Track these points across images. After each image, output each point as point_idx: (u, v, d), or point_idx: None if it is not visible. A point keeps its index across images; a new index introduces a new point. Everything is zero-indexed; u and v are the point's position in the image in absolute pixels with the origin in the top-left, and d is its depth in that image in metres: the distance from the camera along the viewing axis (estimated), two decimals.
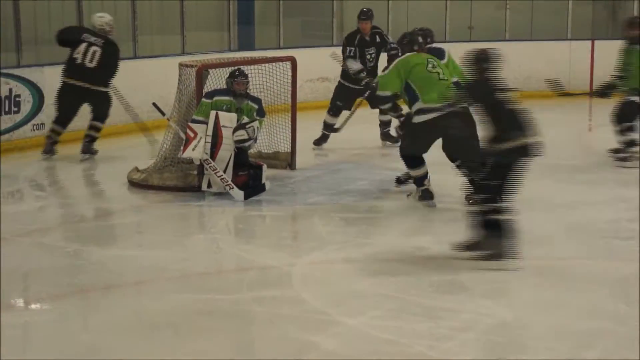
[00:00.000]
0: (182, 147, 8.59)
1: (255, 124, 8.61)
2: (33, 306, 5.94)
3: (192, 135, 8.46)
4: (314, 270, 6.53)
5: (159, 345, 5.17)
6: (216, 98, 8.66)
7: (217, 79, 9.25)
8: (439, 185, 8.32)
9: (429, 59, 8.20)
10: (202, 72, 8.84)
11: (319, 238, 7.31)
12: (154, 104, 9.04)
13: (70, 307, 5.83)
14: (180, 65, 9.20)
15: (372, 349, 5.03)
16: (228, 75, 8.88)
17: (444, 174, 8.40)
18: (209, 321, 5.51)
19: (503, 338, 5.26)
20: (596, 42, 15.67)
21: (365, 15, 10.73)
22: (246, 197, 8.42)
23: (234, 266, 6.62)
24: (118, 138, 11.45)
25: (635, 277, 6.20)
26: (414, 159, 8.23)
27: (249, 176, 8.60)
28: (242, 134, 8.51)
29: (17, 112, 10.87)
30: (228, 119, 8.52)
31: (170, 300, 5.88)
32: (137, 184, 8.91)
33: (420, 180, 8.25)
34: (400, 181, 8.77)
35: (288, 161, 9.69)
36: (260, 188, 8.64)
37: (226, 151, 8.47)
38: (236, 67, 8.97)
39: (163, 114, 9.05)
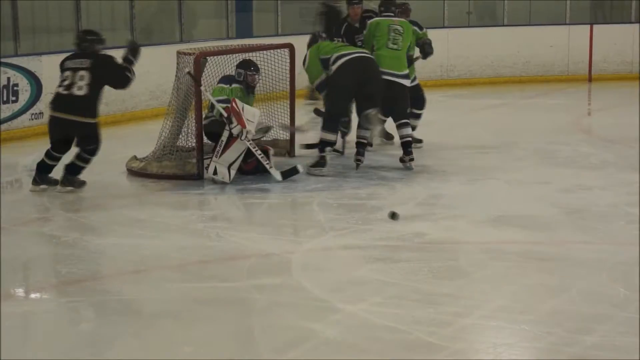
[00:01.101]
0: (233, 123, 8.48)
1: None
2: (32, 296, 5.95)
3: (239, 110, 8.53)
4: (314, 258, 6.54)
5: (159, 334, 5.17)
6: (234, 85, 8.91)
7: (215, 67, 9.25)
8: (439, 171, 8.31)
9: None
10: (200, 60, 8.83)
11: (319, 225, 7.31)
12: (189, 73, 8.89)
13: (69, 296, 5.83)
14: (178, 53, 9.19)
15: (372, 336, 5.03)
16: (239, 65, 9.05)
17: (438, 159, 8.41)
18: (208, 309, 5.51)
19: (502, 323, 5.25)
20: (595, 26, 15.65)
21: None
22: (284, 177, 8.61)
23: (234, 254, 6.61)
24: (117, 127, 11.44)
25: (634, 262, 6.20)
26: (334, 121, 8.92)
27: (258, 161, 8.69)
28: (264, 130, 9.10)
29: (16, 101, 10.88)
30: (251, 114, 8.65)
31: (169, 288, 5.88)
32: (136, 173, 8.92)
33: (323, 145, 8.79)
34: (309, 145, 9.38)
35: (287, 148, 9.69)
36: (294, 171, 8.75)
37: (242, 144, 8.53)
38: (248, 59, 9.15)
39: (199, 83, 8.93)
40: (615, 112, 12.86)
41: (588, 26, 15.60)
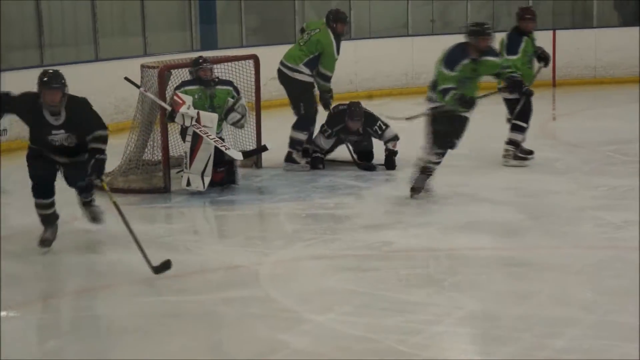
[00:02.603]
0: (171, 113, 8.44)
1: (242, 101, 8.72)
2: (2, 313, 5.88)
3: (180, 102, 8.42)
4: (282, 269, 6.52)
5: (129, 349, 5.13)
6: (185, 88, 8.64)
7: (179, 80, 9.20)
8: (405, 179, 8.33)
9: None
10: (164, 73, 8.80)
11: (286, 236, 7.30)
12: (126, 78, 8.88)
13: (37, 314, 5.78)
14: (142, 66, 9.15)
15: (342, 345, 5.02)
16: (192, 64, 8.85)
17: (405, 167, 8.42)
18: (178, 323, 5.48)
19: (472, 329, 5.27)
20: (557, 32, 15.75)
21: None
22: (245, 156, 8.72)
23: (202, 267, 6.58)
24: None
25: (602, 265, 6.24)
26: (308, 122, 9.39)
27: (225, 172, 8.66)
28: (234, 117, 8.63)
29: None
30: (209, 119, 8.49)
31: (138, 303, 5.85)
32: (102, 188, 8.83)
33: (293, 144, 9.31)
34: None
35: (254, 160, 9.66)
36: (261, 149, 8.97)
37: (205, 151, 8.45)
38: (198, 56, 8.95)
39: (138, 86, 8.93)
40: (580, 117, 12.95)
41: (551, 32, 15.68)
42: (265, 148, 8.93)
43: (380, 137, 9.41)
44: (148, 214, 8.12)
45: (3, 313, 5.83)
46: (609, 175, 8.85)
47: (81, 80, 10.42)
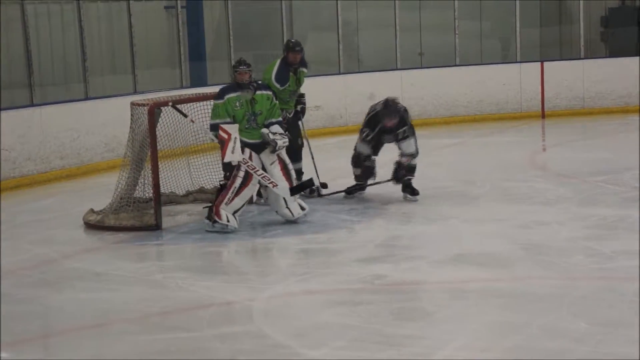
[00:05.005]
0: (220, 152, 8.36)
1: (276, 128, 8.53)
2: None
3: (225, 136, 8.25)
4: (275, 304, 6.51)
5: None
6: (227, 97, 8.52)
7: (170, 117, 9.23)
8: (397, 212, 8.34)
9: None
10: (154, 111, 8.81)
11: (279, 271, 7.30)
12: (173, 106, 8.93)
13: (28, 354, 5.75)
14: (132, 104, 9.18)
15: None
16: (232, 66, 8.71)
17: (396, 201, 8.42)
18: None
19: None
20: (545, 63, 15.86)
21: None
22: (293, 192, 8.54)
23: (194, 304, 6.57)
24: (73, 180, 11.38)
25: (594, 296, 6.25)
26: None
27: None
28: (282, 148, 8.53)
29: None
30: (239, 152, 8.34)
31: (130, 341, 5.83)
32: (93, 226, 8.85)
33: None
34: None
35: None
36: (307, 183, 8.90)
37: (250, 190, 8.51)
38: (239, 57, 8.83)
39: (185, 115, 8.98)
40: (570, 147, 13.00)
41: (539, 63, 15.79)
42: (311, 182, 8.97)
43: (398, 142, 9.32)
44: (139, 251, 8.12)
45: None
46: (599, 206, 8.87)
47: (72, 118, 10.50)
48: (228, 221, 8.41)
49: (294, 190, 8.57)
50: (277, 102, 8.72)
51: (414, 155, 9.33)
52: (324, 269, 7.26)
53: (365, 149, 9.44)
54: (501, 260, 7.26)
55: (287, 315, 6.23)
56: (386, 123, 9.22)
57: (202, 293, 6.79)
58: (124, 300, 6.63)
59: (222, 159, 8.36)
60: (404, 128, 9.28)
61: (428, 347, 5.40)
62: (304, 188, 8.89)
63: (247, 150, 8.43)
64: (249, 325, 5.98)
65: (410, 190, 9.40)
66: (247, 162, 8.37)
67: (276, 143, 8.44)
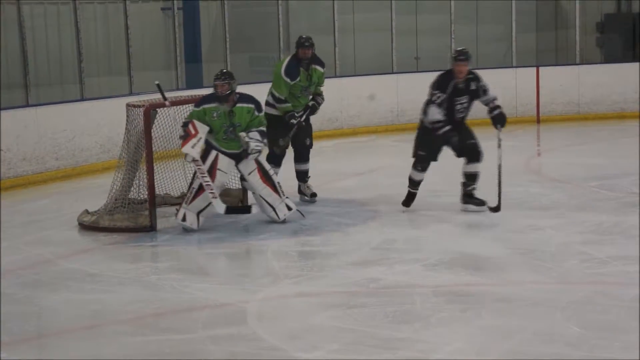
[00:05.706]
0: (181, 142, 8.46)
1: (254, 134, 8.49)
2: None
3: (193, 132, 8.38)
4: (269, 306, 6.51)
5: None
6: (204, 106, 8.52)
7: (165, 119, 9.23)
8: (392, 216, 8.34)
9: None
10: (149, 112, 8.81)
11: (273, 273, 7.30)
12: (158, 85, 9.00)
13: (23, 355, 5.74)
14: (128, 105, 9.17)
15: None
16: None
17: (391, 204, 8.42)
18: None
19: None
20: (541, 68, 15.87)
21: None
22: (227, 212, 8.51)
23: (188, 305, 6.56)
24: (68, 181, 11.37)
25: (588, 301, 6.26)
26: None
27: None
28: (255, 152, 8.49)
29: None
30: (226, 165, 8.53)
31: (125, 342, 5.83)
32: (88, 227, 8.84)
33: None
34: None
35: (240, 197, 9.66)
36: (244, 209, 8.81)
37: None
38: (220, 70, 8.74)
39: (165, 98, 9.00)
40: (564, 153, 13.01)
41: (534, 69, 15.80)
42: (249, 209, 8.91)
43: (485, 94, 9.11)
44: (134, 252, 8.11)
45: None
46: (594, 211, 8.88)
47: (67, 119, 10.48)
48: (183, 220, 8.51)
49: (229, 210, 8.59)
50: (262, 114, 8.71)
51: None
52: (318, 271, 7.26)
53: (437, 115, 8.80)
54: (495, 264, 7.27)
55: (281, 317, 6.23)
56: (457, 71, 8.86)
57: (196, 295, 6.79)
58: (118, 301, 6.62)
59: (181, 147, 8.42)
60: (481, 83, 9.08)
61: (422, 351, 5.41)
62: (239, 212, 8.89)
63: (226, 159, 8.52)
64: (242, 328, 5.98)
65: (476, 202, 9.05)
66: (200, 165, 8.41)
67: (248, 145, 8.45)
